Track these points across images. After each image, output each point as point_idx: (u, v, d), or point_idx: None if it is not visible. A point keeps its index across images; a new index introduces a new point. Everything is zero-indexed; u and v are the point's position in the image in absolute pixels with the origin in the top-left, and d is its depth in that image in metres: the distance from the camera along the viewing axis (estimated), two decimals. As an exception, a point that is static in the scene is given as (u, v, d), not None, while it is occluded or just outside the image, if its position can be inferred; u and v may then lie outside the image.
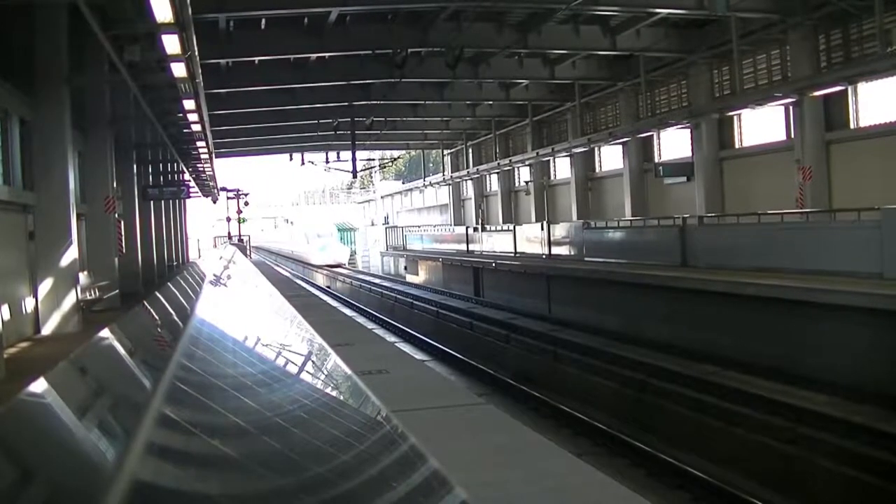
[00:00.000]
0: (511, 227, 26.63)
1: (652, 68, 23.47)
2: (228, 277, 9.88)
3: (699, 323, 13.39)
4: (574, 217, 28.95)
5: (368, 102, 26.83)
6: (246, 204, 46.82)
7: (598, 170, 30.39)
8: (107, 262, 18.15)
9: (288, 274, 32.07)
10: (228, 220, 46.21)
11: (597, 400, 11.29)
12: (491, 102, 31.62)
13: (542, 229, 22.82)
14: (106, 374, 2.31)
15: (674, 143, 25.24)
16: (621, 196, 27.21)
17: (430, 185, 45.96)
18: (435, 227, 41.07)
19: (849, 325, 10.24)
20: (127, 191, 22.31)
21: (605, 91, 27.34)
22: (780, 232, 14.03)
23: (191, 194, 33.71)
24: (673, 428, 9.56)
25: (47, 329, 14.10)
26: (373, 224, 55.18)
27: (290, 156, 40.52)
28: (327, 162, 38.34)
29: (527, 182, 34.43)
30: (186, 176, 32.46)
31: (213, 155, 27.83)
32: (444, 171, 43.43)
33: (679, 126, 22.31)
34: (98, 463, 1.45)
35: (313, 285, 34.35)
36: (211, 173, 33.92)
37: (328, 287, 37.39)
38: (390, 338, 16.91)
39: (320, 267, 46.94)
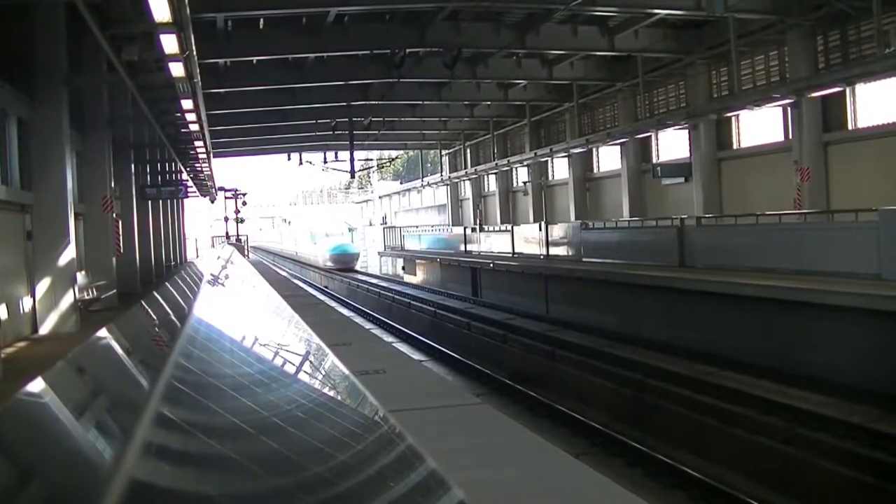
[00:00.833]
0: (509, 228, 26.63)
1: (650, 69, 23.48)
2: (226, 277, 9.87)
3: (697, 323, 13.39)
4: (572, 217, 28.93)
5: (366, 102, 26.81)
6: (244, 204, 46.73)
7: (596, 170, 30.39)
8: (105, 261, 18.12)
9: (286, 274, 32.03)
10: (226, 219, 46.14)
11: (594, 400, 11.31)
12: (489, 103, 31.59)
13: (540, 230, 22.80)
14: (104, 374, 2.31)
15: (672, 144, 25.24)
16: (619, 196, 27.21)
17: (428, 185, 45.93)
18: (433, 227, 41.04)
19: (846, 325, 10.26)
20: (125, 191, 22.25)
21: (604, 91, 27.32)
22: (778, 233, 14.06)
23: (189, 194, 33.56)
24: (670, 428, 9.57)
25: (45, 329, 14.09)
26: (371, 224, 55.04)
27: (289, 156, 40.52)
28: (325, 162, 38.37)
29: (525, 182, 34.40)
30: (184, 176, 32.37)
31: (211, 155, 27.77)
32: (442, 172, 43.43)
33: (677, 127, 22.31)
34: (96, 462, 1.45)
35: (311, 285, 34.31)
36: (209, 173, 33.85)
37: (325, 287, 37.35)
38: (388, 338, 16.89)
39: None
